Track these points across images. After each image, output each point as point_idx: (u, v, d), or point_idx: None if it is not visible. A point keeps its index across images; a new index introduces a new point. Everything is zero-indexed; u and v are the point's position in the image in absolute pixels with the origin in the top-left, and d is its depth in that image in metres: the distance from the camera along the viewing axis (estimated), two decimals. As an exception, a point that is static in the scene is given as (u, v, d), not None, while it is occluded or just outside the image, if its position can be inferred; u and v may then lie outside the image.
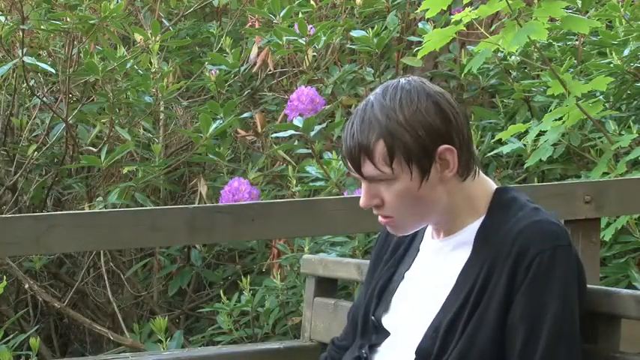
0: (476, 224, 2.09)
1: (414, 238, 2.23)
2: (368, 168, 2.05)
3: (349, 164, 2.08)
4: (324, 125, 4.32)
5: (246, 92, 5.06)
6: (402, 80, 2.09)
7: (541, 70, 4.38)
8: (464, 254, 2.09)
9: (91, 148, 4.69)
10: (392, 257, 2.25)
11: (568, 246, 2.01)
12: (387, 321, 2.17)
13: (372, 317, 2.19)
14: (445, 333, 2.02)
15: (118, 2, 4.70)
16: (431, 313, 2.07)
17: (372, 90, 2.16)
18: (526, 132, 3.93)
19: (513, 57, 4.50)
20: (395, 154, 2.02)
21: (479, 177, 2.12)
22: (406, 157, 2.02)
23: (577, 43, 4.46)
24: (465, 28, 3.57)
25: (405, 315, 2.14)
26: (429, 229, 2.19)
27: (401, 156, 2.02)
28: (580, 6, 4.29)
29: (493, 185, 2.14)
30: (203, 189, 4.54)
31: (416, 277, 2.17)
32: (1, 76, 4.64)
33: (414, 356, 2.06)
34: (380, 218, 2.12)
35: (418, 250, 2.21)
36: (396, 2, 5.08)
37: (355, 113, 2.07)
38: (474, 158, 2.11)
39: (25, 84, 4.75)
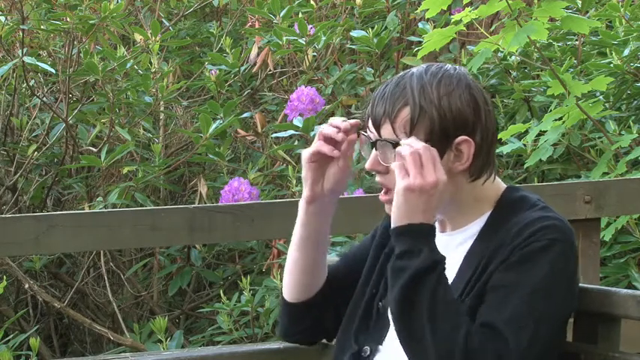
0: (483, 219, 2.09)
1: None
2: (386, 130, 2.05)
3: (370, 122, 2.08)
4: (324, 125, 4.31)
5: (246, 92, 5.06)
6: (449, 65, 2.09)
7: (541, 70, 4.38)
8: (467, 247, 2.08)
9: (91, 148, 4.68)
10: None
11: (568, 245, 2.00)
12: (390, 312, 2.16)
13: (380, 304, 2.17)
14: None
15: (118, 2, 4.70)
16: None
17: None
18: (526, 132, 3.93)
19: (513, 57, 4.50)
20: (416, 125, 2.02)
21: (491, 183, 2.10)
22: (425, 133, 2.02)
23: (577, 43, 4.46)
24: (465, 28, 3.57)
25: None
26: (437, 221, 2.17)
27: (421, 130, 2.02)
28: (580, 6, 4.29)
29: (503, 185, 2.14)
30: (203, 189, 4.54)
31: None
32: (1, 76, 4.64)
33: None
34: (380, 196, 2.10)
35: None
36: (396, 2, 5.08)
37: (393, 78, 2.08)
38: (492, 165, 2.10)
39: (25, 84, 4.75)
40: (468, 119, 2.03)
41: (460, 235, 2.11)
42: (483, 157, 2.07)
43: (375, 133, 2.07)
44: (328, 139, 2.12)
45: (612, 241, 3.81)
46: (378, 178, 2.10)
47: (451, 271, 2.07)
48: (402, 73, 2.09)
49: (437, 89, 2.03)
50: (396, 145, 2.02)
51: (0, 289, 3.32)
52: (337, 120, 2.13)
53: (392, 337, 2.12)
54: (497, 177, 2.13)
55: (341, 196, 2.24)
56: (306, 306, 2.25)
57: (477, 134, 2.05)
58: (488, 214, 2.09)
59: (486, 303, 1.97)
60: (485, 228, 2.08)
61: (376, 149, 2.07)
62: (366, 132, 2.11)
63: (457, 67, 2.09)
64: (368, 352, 2.14)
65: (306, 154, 2.13)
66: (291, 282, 2.25)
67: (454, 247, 2.11)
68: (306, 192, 2.16)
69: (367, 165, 2.09)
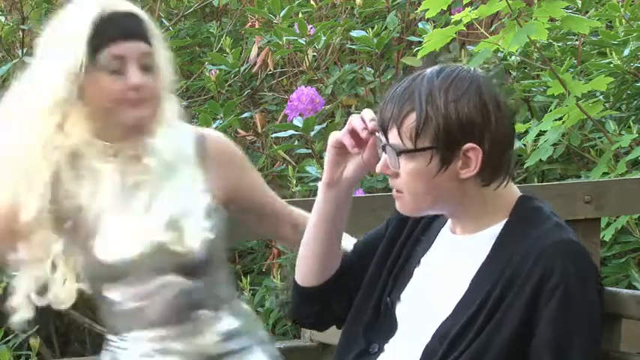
0: (497, 227, 2.06)
1: (432, 222, 2.19)
2: (392, 135, 2.03)
3: (379, 125, 2.07)
4: (324, 125, 4.31)
5: (246, 92, 5.05)
6: (465, 67, 2.07)
7: (541, 70, 4.38)
8: (481, 255, 2.05)
9: (91, 148, 4.67)
10: (407, 239, 2.21)
11: (592, 268, 2.01)
12: (398, 310, 2.14)
13: (388, 299, 2.15)
14: (454, 338, 2.00)
15: (118, 2, 4.69)
16: (442, 311, 2.05)
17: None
18: (526, 132, 3.93)
19: (513, 57, 4.50)
20: (421, 133, 2.00)
21: (505, 187, 2.06)
22: (430, 140, 2.00)
23: (577, 43, 4.45)
24: (465, 28, 3.58)
25: (416, 309, 2.11)
26: (449, 221, 2.14)
27: (426, 137, 2.00)
28: (580, 6, 4.29)
29: (518, 192, 2.10)
30: (203, 189, 4.53)
31: (431, 268, 2.13)
32: (1, 76, 4.64)
33: (420, 354, 2.04)
34: (393, 192, 2.08)
35: (436, 236, 2.16)
36: (396, 2, 5.07)
37: (406, 79, 2.06)
38: (505, 171, 2.05)
39: (25, 84, 4.74)
40: (474, 126, 1.99)
41: (471, 240, 2.08)
42: (494, 163, 2.02)
43: (384, 138, 2.05)
44: (354, 133, 2.11)
45: (612, 241, 3.81)
46: (390, 181, 2.08)
47: (462, 276, 2.05)
48: (415, 74, 2.06)
49: (445, 94, 1.99)
50: (399, 153, 2.01)
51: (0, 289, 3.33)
52: (368, 116, 2.11)
53: (399, 336, 2.11)
54: (511, 183, 2.08)
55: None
56: (317, 291, 2.23)
57: (486, 141, 2.00)
58: (502, 223, 2.06)
59: None
60: (500, 239, 2.04)
61: (385, 153, 2.06)
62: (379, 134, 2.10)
63: (472, 69, 2.07)
64: (376, 349, 2.12)
65: (331, 139, 2.14)
66: (304, 266, 2.24)
67: (464, 249, 2.09)
68: (325, 176, 2.17)
69: (377, 168, 2.08)
